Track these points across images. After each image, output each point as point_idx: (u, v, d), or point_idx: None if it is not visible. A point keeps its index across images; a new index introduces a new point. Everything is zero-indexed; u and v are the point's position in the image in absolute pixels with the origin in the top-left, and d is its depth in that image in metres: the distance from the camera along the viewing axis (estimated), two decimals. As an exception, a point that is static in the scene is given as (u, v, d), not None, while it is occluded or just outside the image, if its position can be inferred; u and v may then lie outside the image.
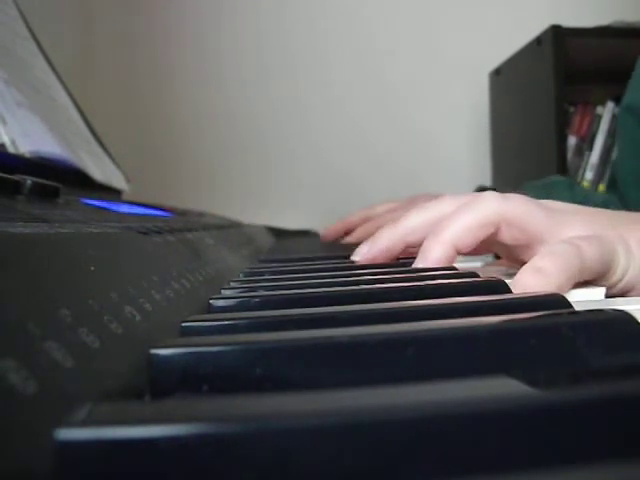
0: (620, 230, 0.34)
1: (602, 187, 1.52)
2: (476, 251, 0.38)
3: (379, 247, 0.39)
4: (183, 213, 0.68)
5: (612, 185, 0.83)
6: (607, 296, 0.32)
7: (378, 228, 0.42)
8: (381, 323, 0.17)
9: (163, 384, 0.14)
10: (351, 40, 1.61)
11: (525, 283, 0.28)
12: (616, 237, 0.33)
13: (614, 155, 1.49)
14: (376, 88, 1.62)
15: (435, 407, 0.10)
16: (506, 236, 0.34)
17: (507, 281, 0.26)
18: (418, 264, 0.35)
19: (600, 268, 0.31)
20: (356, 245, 0.43)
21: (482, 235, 0.34)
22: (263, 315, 0.20)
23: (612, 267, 0.32)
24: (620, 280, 0.33)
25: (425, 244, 0.35)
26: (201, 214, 0.82)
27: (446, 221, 0.34)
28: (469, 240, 0.34)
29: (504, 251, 0.39)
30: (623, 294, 0.34)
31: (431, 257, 0.34)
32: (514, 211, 0.34)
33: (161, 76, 1.57)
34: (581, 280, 0.31)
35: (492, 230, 0.34)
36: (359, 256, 0.40)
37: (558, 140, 1.29)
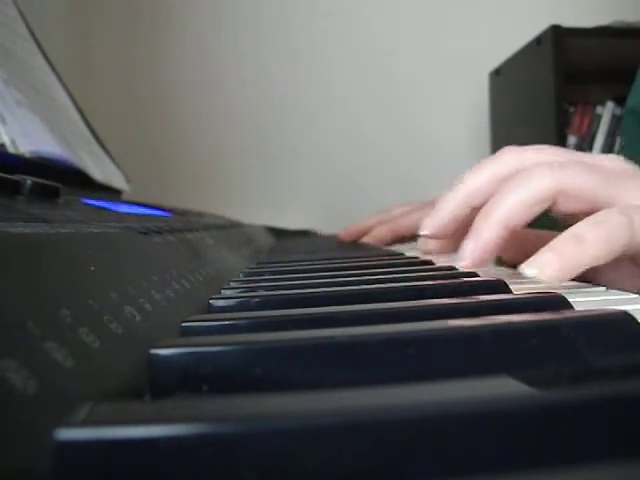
0: None
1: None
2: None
3: (443, 215, 0.37)
4: (183, 213, 0.68)
5: None
6: None
7: (393, 230, 0.41)
8: (381, 323, 0.17)
9: (163, 384, 0.14)
10: (351, 40, 1.61)
11: (560, 249, 0.27)
12: None
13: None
14: (376, 88, 1.62)
15: (435, 407, 0.10)
16: (563, 208, 0.32)
17: (507, 281, 0.26)
18: (469, 244, 0.33)
19: (623, 246, 0.28)
20: (361, 245, 0.42)
21: (537, 211, 0.32)
22: (263, 315, 0.20)
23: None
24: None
25: (475, 223, 0.33)
26: (201, 214, 0.82)
27: (495, 200, 0.32)
28: (523, 218, 0.32)
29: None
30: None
31: (482, 239, 0.32)
32: (572, 182, 0.32)
33: (161, 76, 1.57)
34: (631, 255, 0.29)
35: (548, 204, 0.32)
36: (426, 230, 0.38)
37: (558, 140, 1.30)
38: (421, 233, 0.38)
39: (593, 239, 0.27)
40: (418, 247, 0.40)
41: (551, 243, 0.27)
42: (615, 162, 0.35)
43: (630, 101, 0.74)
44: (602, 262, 0.28)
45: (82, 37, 1.49)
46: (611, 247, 0.28)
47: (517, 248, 0.37)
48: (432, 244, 0.41)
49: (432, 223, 0.37)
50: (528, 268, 0.27)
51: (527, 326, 0.16)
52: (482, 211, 0.33)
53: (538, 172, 0.32)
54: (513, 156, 0.35)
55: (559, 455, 0.10)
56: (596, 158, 0.35)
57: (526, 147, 0.36)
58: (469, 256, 0.33)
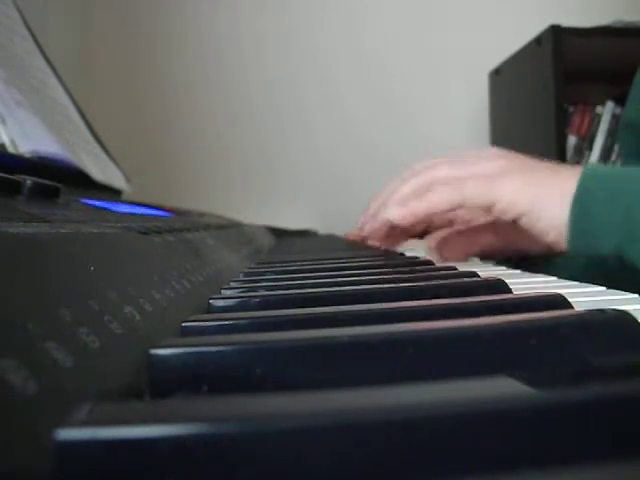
0: (526, 170, 0.44)
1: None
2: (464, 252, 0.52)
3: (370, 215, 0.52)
4: (183, 213, 0.68)
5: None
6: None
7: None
8: (381, 323, 0.17)
9: (163, 384, 0.14)
10: (351, 40, 1.61)
11: (409, 205, 0.46)
12: (515, 175, 0.44)
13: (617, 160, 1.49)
14: (376, 88, 1.62)
15: (435, 407, 0.10)
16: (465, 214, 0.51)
17: (507, 281, 0.26)
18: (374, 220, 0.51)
19: (483, 198, 0.43)
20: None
21: (441, 214, 0.47)
22: (263, 315, 0.20)
23: (497, 198, 0.43)
24: (506, 209, 0.43)
25: (389, 203, 0.48)
26: (201, 214, 0.82)
27: (389, 194, 0.49)
28: (418, 218, 0.46)
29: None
30: (517, 218, 0.44)
31: (390, 213, 0.47)
32: (434, 173, 0.47)
33: (161, 76, 1.57)
34: (467, 206, 0.44)
35: (424, 191, 0.46)
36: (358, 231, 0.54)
37: (558, 140, 1.30)
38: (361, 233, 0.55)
39: (428, 201, 0.45)
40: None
41: (409, 202, 0.47)
42: (484, 151, 0.49)
43: (626, 113, 0.75)
44: (439, 211, 0.45)
45: (82, 37, 1.49)
46: (443, 203, 0.44)
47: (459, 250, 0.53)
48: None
49: (363, 222, 0.54)
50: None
51: (527, 326, 0.16)
52: (400, 198, 0.47)
53: (416, 173, 0.48)
54: (408, 172, 0.51)
55: (559, 455, 0.10)
56: (468, 152, 0.50)
57: (432, 160, 0.51)
58: (368, 228, 0.52)
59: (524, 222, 0.44)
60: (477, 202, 0.44)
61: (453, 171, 0.46)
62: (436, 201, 0.44)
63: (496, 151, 0.49)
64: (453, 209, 0.45)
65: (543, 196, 0.43)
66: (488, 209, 0.44)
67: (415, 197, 0.46)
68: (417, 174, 0.48)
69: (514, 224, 0.45)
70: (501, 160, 0.46)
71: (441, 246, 0.53)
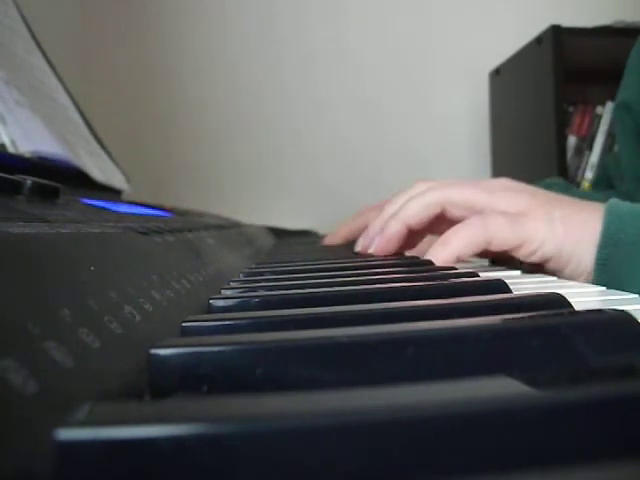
0: (549, 208, 0.41)
1: (602, 187, 1.52)
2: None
3: (373, 233, 0.48)
4: (183, 213, 0.68)
5: (599, 183, 0.84)
6: (526, 265, 0.41)
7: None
8: (381, 323, 0.17)
9: (163, 384, 0.14)
10: (349, 40, 1.61)
11: (432, 254, 0.40)
12: (542, 214, 0.41)
13: (608, 154, 1.49)
14: (376, 88, 1.62)
15: (435, 407, 0.10)
16: (453, 214, 0.43)
17: (507, 281, 0.26)
18: (378, 239, 0.46)
19: (512, 239, 0.40)
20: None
21: (428, 215, 0.44)
22: (263, 315, 0.20)
23: (527, 240, 0.40)
24: (536, 251, 0.40)
25: (385, 223, 0.46)
26: (201, 214, 0.82)
27: (404, 206, 0.45)
28: (417, 219, 0.44)
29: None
30: (541, 263, 0.42)
31: (387, 231, 0.45)
32: (454, 193, 0.43)
33: (161, 77, 1.57)
34: (493, 248, 0.40)
35: (438, 209, 0.44)
36: (359, 247, 0.49)
37: (558, 140, 1.29)
38: (356, 249, 0.50)
39: (455, 240, 0.40)
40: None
41: (429, 250, 0.41)
42: (500, 182, 0.46)
43: (620, 95, 0.76)
44: (466, 256, 0.41)
45: (82, 37, 1.49)
46: (470, 243, 0.40)
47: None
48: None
49: (365, 242, 0.48)
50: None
51: (527, 326, 0.16)
52: (391, 214, 0.45)
53: (430, 189, 0.45)
54: (417, 187, 0.47)
55: (559, 455, 0.10)
56: (485, 181, 0.46)
57: (429, 181, 0.48)
58: (377, 243, 0.46)
59: (551, 266, 0.41)
60: (504, 244, 0.40)
61: (472, 196, 0.43)
62: (461, 245, 0.40)
63: (514, 183, 0.45)
64: (476, 252, 0.41)
65: (571, 240, 0.40)
66: (513, 250, 0.41)
67: (426, 219, 0.44)
68: (429, 189, 0.45)
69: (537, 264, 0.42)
70: (524, 195, 0.42)
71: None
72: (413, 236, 0.48)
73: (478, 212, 0.42)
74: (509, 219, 0.40)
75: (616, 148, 1.48)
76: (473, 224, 0.40)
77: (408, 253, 0.50)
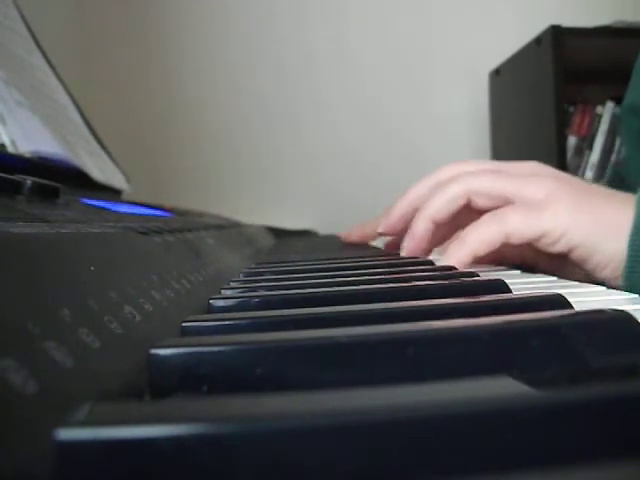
0: (577, 196, 0.40)
1: (602, 187, 1.52)
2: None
3: (395, 215, 0.48)
4: (183, 213, 0.68)
5: (616, 185, 0.82)
6: (550, 252, 0.40)
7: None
8: (381, 323, 0.17)
9: (163, 384, 0.14)
10: (350, 41, 1.61)
11: (449, 253, 0.39)
12: (568, 201, 0.39)
13: (621, 154, 1.48)
14: (376, 88, 1.62)
15: (435, 407, 0.10)
16: (479, 204, 0.42)
17: (507, 281, 0.26)
18: (406, 241, 0.45)
19: (531, 232, 0.39)
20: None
21: (455, 207, 0.43)
22: (263, 315, 0.20)
23: (548, 230, 0.39)
24: (558, 241, 0.39)
25: (412, 223, 0.45)
26: (201, 214, 0.82)
27: (427, 202, 0.44)
28: (444, 213, 0.43)
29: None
30: (566, 253, 0.40)
31: (415, 230, 0.44)
32: (478, 184, 0.42)
33: (161, 77, 1.57)
34: (513, 242, 0.39)
35: (463, 202, 0.43)
36: (380, 228, 0.51)
37: (558, 140, 1.30)
38: (378, 231, 0.51)
39: (471, 238, 0.39)
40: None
41: (449, 247, 0.40)
42: (528, 165, 0.44)
43: (628, 98, 0.75)
44: (483, 253, 0.39)
45: (82, 37, 1.49)
46: (487, 240, 0.39)
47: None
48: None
49: (386, 223, 0.50)
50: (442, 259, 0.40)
51: (527, 326, 0.16)
52: (417, 212, 0.45)
53: (453, 181, 0.43)
54: (442, 172, 0.46)
55: (559, 455, 0.10)
56: (510, 165, 0.45)
57: (456, 163, 0.47)
58: (407, 246, 0.45)
59: (576, 256, 0.40)
60: (524, 237, 0.39)
61: (496, 184, 0.42)
62: (478, 243, 0.39)
63: (542, 168, 0.44)
64: (495, 247, 0.40)
65: (598, 228, 0.39)
66: (535, 241, 0.40)
67: (449, 214, 0.43)
68: (452, 180, 0.43)
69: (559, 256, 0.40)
70: (549, 181, 0.41)
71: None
72: (442, 228, 0.47)
73: (504, 200, 0.41)
74: (527, 212, 0.39)
75: (614, 155, 1.48)
76: (489, 220, 0.39)
77: (437, 248, 0.50)
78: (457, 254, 0.39)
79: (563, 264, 0.42)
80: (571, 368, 0.15)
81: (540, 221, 0.39)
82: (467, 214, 0.44)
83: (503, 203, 0.41)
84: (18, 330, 0.11)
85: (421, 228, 0.44)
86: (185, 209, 0.79)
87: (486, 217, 0.40)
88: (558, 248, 0.40)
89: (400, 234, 0.49)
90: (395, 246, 0.57)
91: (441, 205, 0.43)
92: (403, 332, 0.16)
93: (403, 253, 0.46)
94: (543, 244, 0.40)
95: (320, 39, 1.61)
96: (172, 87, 1.57)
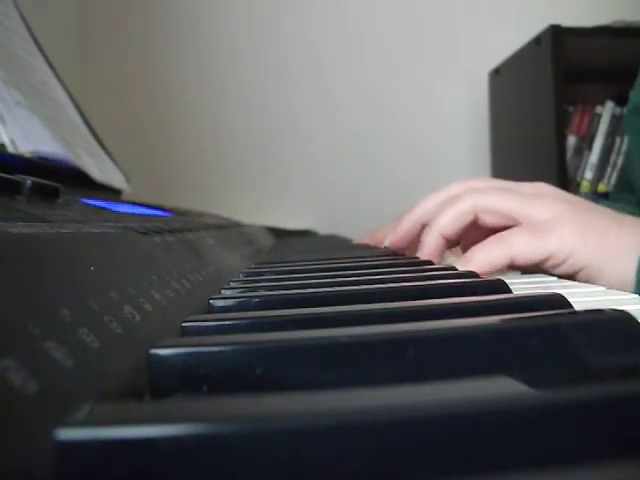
0: (584, 218, 0.40)
1: (602, 187, 1.52)
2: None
3: (402, 230, 0.49)
4: (183, 213, 0.68)
5: (623, 188, 0.81)
6: (554, 276, 0.39)
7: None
8: (381, 323, 0.17)
9: (163, 384, 0.14)
10: (350, 41, 1.61)
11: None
12: (574, 223, 0.40)
13: (621, 155, 1.48)
14: (376, 88, 1.62)
15: (435, 407, 0.10)
16: (486, 221, 0.43)
17: (507, 281, 0.26)
18: (419, 253, 0.45)
19: (536, 255, 0.39)
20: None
21: (463, 223, 0.43)
22: (263, 315, 0.20)
23: (553, 253, 0.39)
24: (563, 263, 0.39)
25: (422, 236, 0.45)
26: (201, 214, 0.82)
27: (436, 218, 0.44)
28: (452, 228, 0.44)
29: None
30: (573, 274, 0.40)
31: (425, 246, 0.45)
32: (486, 202, 0.43)
33: (161, 77, 1.57)
34: (518, 264, 0.40)
35: (470, 218, 0.43)
36: (387, 242, 0.50)
37: (558, 140, 1.30)
38: (384, 244, 0.51)
39: (477, 259, 0.39)
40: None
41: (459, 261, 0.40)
42: (536, 186, 0.45)
43: (633, 99, 0.74)
44: (488, 274, 0.38)
45: (82, 37, 1.49)
46: (492, 261, 0.39)
47: None
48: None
49: (393, 237, 0.50)
50: None
51: (527, 326, 0.16)
52: (427, 227, 0.45)
53: (462, 197, 0.44)
54: (450, 188, 0.47)
55: (559, 455, 0.10)
56: (518, 185, 0.45)
57: (464, 180, 0.47)
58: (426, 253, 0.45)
59: (582, 277, 0.39)
60: (529, 260, 0.39)
61: (503, 203, 0.42)
62: (483, 265, 0.39)
63: (549, 189, 0.44)
64: (500, 269, 0.40)
65: (604, 250, 0.39)
66: (540, 264, 0.40)
67: (457, 229, 0.43)
68: (460, 196, 0.44)
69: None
70: (555, 203, 0.41)
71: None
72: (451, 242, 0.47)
73: (510, 219, 0.42)
74: (532, 234, 0.40)
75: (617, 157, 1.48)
76: (495, 243, 0.40)
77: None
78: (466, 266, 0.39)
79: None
80: (571, 368, 0.15)
81: (546, 243, 0.39)
82: (475, 229, 0.44)
83: (510, 222, 0.42)
84: (18, 330, 0.11)
85: (432, 242, 0.44)
86: (185, 209, 0.79)
87: (492, 239, 0.40)
88: (564, 270, 0.39)
89: (406, 248, 0.50)
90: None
91: (449, 221, 0.43)
92: (403, 332, 0.16)
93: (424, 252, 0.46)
94: (549, 266, 0.40)
95: (322, 40, 1.61)
96: (172, 87, 1.57)
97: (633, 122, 0.74)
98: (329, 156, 1.60)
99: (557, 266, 0.40)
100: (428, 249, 0.44)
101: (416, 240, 0.47)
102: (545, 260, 0.39)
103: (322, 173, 1.60)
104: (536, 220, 0.40)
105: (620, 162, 1.50)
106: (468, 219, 0.43)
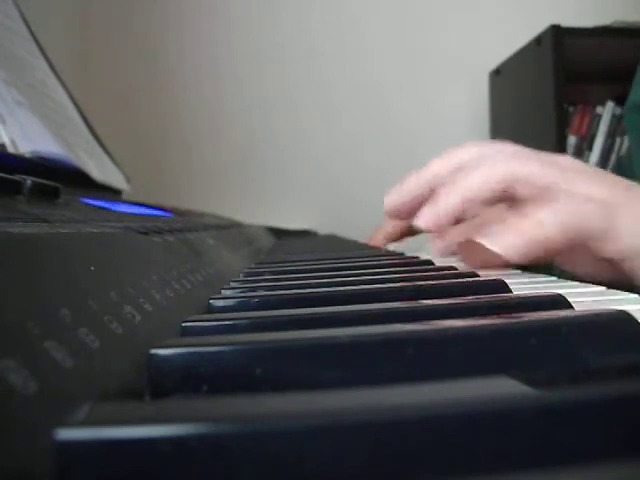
0: (633, 201, 0.34)
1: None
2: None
3: (407, 191, 0.38)
4: (183, 213, 0.68)
5: None
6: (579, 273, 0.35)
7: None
8: (381, 323, 0.17)
9: (163, 384, 0.14)
10: (350, 41, 1.61)
11: (499, 241, 0.32)
12: (627, 205, 0.34)
13: (621, 155, 1.48)
14: (375, 89, 1.62)
15: (435, 407, 0.10)
16: (519, 193, 0.35)
17: (507, 281, 0.26)
18: (427, 211, 0.36)
19: (602, 229, 0.33)
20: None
21: (493, 192, 0.35)
22: (263, 315, 0.20)
23: (614, 229, 0.33)
24: (619, 243, 0.34)
25: (437, 195, 0.36)
26: (201, 214, 0.82)
27: (461, 175, 0.35)
28: (479, 195, 0.35)
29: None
30: (621, 258, 0.34)
31: (443, 205, 0.35)
32: (527, 170, 0.34)
33: (161, 77, 1.57)
34: (577, 240, 0.33)
35: (503, 187, 0.35)
36: (386, 202, 0.40)
37: (558, 140, 1.29)
38: (385, 206, 0.40)
39: (504, 243, 0.32)
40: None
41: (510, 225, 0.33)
42: (569, 160, 0.38)
43: (632, 96, 0.74)
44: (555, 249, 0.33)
45: (82, 37, 1.49)
46: (562, 232, 0.32)
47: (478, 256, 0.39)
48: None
49: (395, 198, 0.39)
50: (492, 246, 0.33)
51: (527, 326, 0.16)
52: (443, 187, 0.36)
53: (492, 161, 0.35)
54: (476, 147, 0.37)
55: (559, 455, 0.10)
56: (548, 156, 0.38)
57: (473, 143, 0.38)
58: (427, 218, 0.36)
59: (628, 264, 0.34)
60: (591, 235, 0.33)
61: (546, 173, 0.34)
62: (548, 231, 0.32)
63: (582, 165, 0.37)
64: (568, 242, 0.33)
65: None
66: (595, 241, 0.34)
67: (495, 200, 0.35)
68: (488, 161, 0.35)
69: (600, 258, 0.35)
70: (603, 183, 0.35)
71: (464, 249, 0.40)
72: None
73: (547, 193, 0.34)
74: (599, 205, 0.33)
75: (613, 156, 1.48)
76: (560, 207, 0.33)
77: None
78: (511, 241, 0.32)
79: (600, 269, 0.37)
80: (571, 368, 0.15)
81: (612, 221, 0.33)
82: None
83: (544, 197, 0.34)
84: (18, 330, 0.11)
85: (451, 203, 0.35)
86: (185, 209, 0.79)
87: (553, 204, 0.33)
88: (615, 254, 0.34)
89: (406, 216, 0.40)
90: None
91: (478, 186, 0.35)
92: (403, 332, 0.16)
93: (419, 222, 0.36)
94: (599, 247, 0.34)
95: (322, 42, 1.60)
96: (172, 87, 1.57)
97: (632, 120, 0.74)
98: (329, 156, 1.60)
99: (611, 247, 0.34)
100: (444, 209, 0.35)
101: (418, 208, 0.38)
102: (604, 237, 0.33)
103: (322, 173, 1.60)
104: (586, 196, 0.34)
105: (620, 161, 1.50)
106: (498, 188, 0.35)
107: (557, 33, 1.29)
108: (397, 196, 0.39)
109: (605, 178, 0.36)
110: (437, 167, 0.38)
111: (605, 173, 0.37)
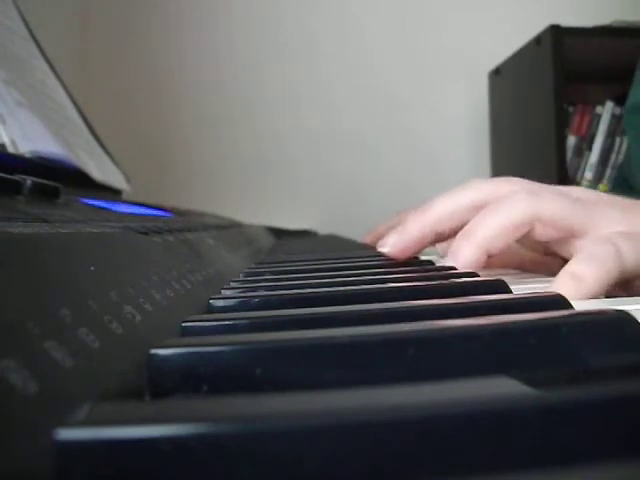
0: None
1: (602, 187, 1.52)
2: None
3: (409, 237, 0.36)
4: (183, 213, 0.68)
5: (621, 186, 0.81)
6: None
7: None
8: (381, 323, 0.17)
9: (163, 384, 0.14)
10: (351, 41, 1.61)
11: (561, 290, 0.25)
12: None
13: (621, 155, 1.48)
14: (375, 89, 1.62)
15: (435, 407, 0.10)
16: (540, 234, 0.33)
17: (507, 281, 0.26)
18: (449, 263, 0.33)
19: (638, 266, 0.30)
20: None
21: (514, 237, 0.33)
22: (263, 315, 0.20)
23: None
24: None
25: (455, 245, 0.33)
26: (201, 214, 0.82)
27: (476, 222, 0.33)
28: (501, 243, 0.32)
29: (538, 248, 0.37)
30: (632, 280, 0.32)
31: (462, 259, 0.32)
32: (548, 208, 0.32)
33: (161, 77, 1.57)
34: (620, 280, 0.30)
35: (525, 231, 0.32)
36: (387, 247, 0.37)
37: (557, 140, 1.30)
38: (382, 249, 0.38)
39: (592, 276, 0.28)
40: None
41: (552, 285, 0.28)
42: (587, 192, 0.36)
43: (631, 97, 0.74)
44: (600, 294, 0.29)
45: (82, 37, 1.49)
46: (607, 280, 0.28)
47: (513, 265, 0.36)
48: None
49: (395, 242, 0.37)
50: None
51: (527, 326, 0.16)
52: (463, 231, 0.33)
53: (516, 199, 0.32)
54: (487, 185, 0.35)
55: (559, 455, 0.10)
56: (566, 188, 0.36)
57: (497, 179, 0.36)
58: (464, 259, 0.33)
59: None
60: (634, 272, 0.30)
61: (570, 212, 0.32)
62: (599, 282, 0.28)
63: (596, 194, 0.35)
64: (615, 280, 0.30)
65: None
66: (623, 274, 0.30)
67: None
68: (508, 200, 0.33)
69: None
70: (619, 213, 0.32)
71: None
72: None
73: (568, 233, 0.32)
74: (635, 241, 0.30)
75: (615, 156, 1.48)
76: (604, 252, 0.29)
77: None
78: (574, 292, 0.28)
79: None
80: (571, 368, 0.15)
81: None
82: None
83: (566, 236, 0.32)
84: (18, 330, 0.11)
85: (471, 258, 0.32)
86: (185, 209, 0.79)
87: (595, 245, 0.30)
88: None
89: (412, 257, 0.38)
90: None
91: (500, 231, 0.32)
92: (403, 332, 0.16)
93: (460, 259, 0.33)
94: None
95: (323, 40, 1.60)
96: (173, 86, 1.57)
97: (631, 120, 0.74)
98: (329, 156, 1.60)
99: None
100: (465, 265, 0.32)
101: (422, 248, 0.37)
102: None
103: (322, 173, 1.60)
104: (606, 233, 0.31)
105: (619, 161, 1.50)
106: (523, 231, 0.32)
107: (557, 33, 1.29)
108: (399, 241, 0.36)
109: (620, 209, 0.33)
110: (438, 212, 0.36)
111: (622, 202, 0.35)
